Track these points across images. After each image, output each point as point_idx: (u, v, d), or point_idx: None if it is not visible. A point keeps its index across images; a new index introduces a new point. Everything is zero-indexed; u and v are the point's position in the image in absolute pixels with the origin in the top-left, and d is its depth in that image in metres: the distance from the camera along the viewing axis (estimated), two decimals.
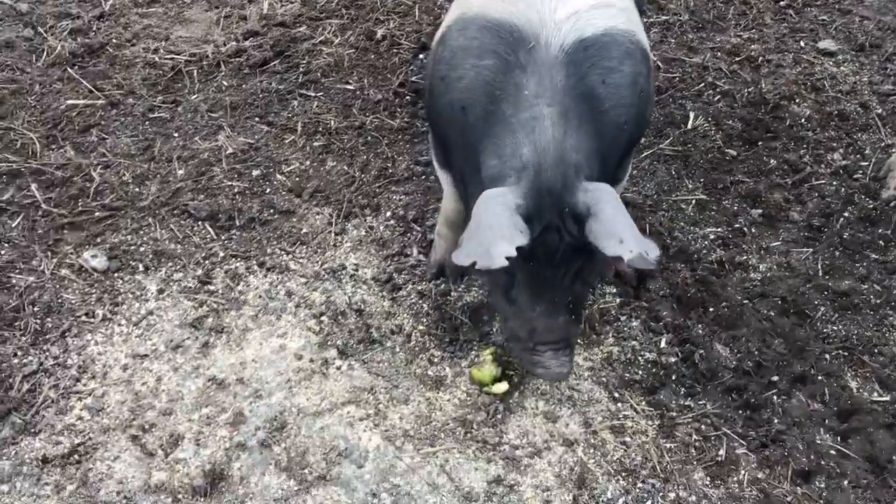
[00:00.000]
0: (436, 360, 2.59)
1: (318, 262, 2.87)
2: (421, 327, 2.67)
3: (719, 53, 3.74)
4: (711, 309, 2.75)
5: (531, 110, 2.06)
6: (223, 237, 2.94)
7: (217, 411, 2.42)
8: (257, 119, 3.41)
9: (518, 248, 1.86)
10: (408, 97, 3.57)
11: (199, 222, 2.98)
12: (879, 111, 3.45)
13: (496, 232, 1.89)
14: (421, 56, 3.69)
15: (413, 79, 3.63)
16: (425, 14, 3.98)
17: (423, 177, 3.21)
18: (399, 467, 2.29)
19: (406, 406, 2.45)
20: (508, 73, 2.12)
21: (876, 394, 2.53)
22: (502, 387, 2.47)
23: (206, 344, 2.60)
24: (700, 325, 2.69)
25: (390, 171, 3.23)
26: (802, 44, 3.79)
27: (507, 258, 1.83)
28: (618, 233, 1.91)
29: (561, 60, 2.10)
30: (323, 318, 2.68)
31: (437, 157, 2.59)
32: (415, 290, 2.79)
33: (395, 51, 3.77)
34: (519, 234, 1.90)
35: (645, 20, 3.71)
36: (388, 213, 3.06)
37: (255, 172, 3.17)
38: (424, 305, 2.74)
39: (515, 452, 2.34)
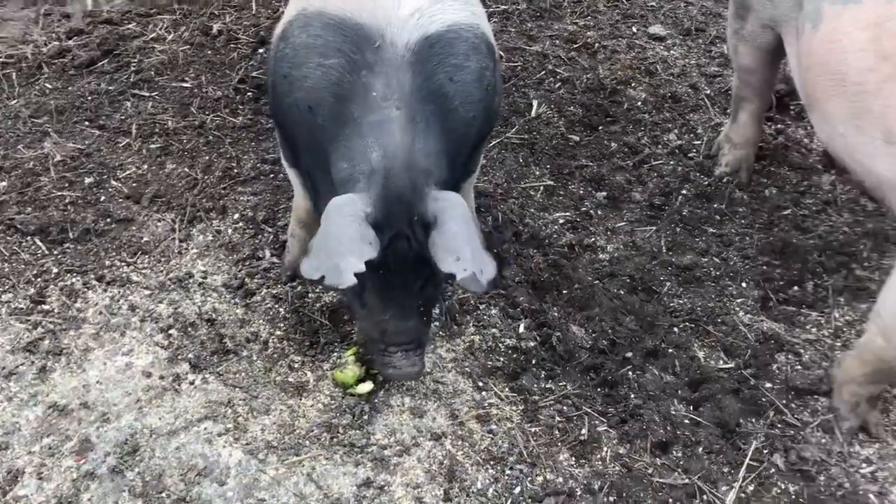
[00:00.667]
0: (296, 365, 2.51)
1: (162, 271, 2.72)
2: (278, 333, 2.59)
3: (557, 41, 3.84)
4: (565, 291, 2.81)
5: (380, 113, 2.03)
6: (56, 252, 2.74)
7: (60, 440, 2.25)
8: (87, 123, 3.20)
9: (367, 262, 1.84)
10: (250, 93, 3.45)
11: (28, 237, 2.76)
12: (708, 92, 3.64)
13: (345, 245, 1.86)
14: (261, 51, 3.57)
15: (254, 74, 3.51)
16: (263, 7, 3.85)
17: (272, 175, 3.10)
18: (263, 481, 2.20)
19: (267, 416, 2.36)
20: (356, 74, 2.07)
21: (721, 361, 2.66)
22: (367, 387, 2.43)
23: (44, 368, 2.41)
24: (555, 308, 2.75)
25: (235, 170, 3.10)
26: (634, 29, 3.94)
27: (356, 274, 1.81)
28: (456, 249, 1.92)
29: (407, 60, 2.08)
30: (171, 331, 2.54)
31: (285, 156, 2.51)
32: (269, 295, 2.69)
33: (233, 46, 3.63)
34: (368, 247, 1.88)
35: (485, 10, 3.76)
36: (237, 216, 2.94)
37: (88, 180, 2.97)
38: (281, 310, 2.65)
39: (384, 452, 2.30)
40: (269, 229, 2.89)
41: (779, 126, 3.54)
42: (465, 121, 2.17)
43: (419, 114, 2.05)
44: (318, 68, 2.10)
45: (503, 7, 4.02)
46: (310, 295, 2.69)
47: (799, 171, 3.34)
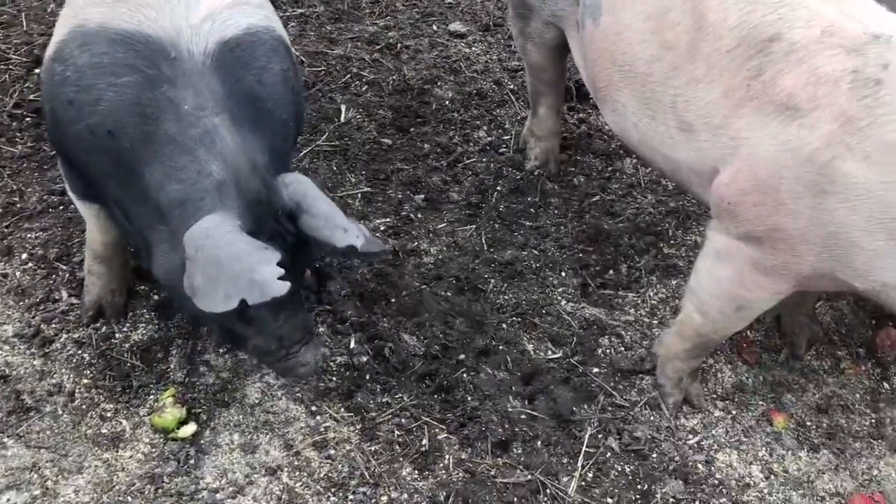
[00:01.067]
0: (108, 414, 2.30)
1: None
2: (85, 381, 2.36)
3: (359, 43, 3.76)
4: (393, 300, 2.76)
5: (200, 124, 1.93)
6: None
7: None
8: None
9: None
10: (28, 119, 3.13)
11: None
12: (511, 87, 3.69)
13: (247, 260, 1.78)
14: (37, 71, 3.25)
15: (31, 97, 3.19)
16: (35, 23, 3.52)
17: (62, 207, 2.83)
18: None
19: (80, 475, 2.15)
20: (156, 89, 1.94)
21: (550, 352, 2.70)
22: (190, 429, 2.26)
23: None
24: (385, 319, 2.69)
25: (19, 205, 2.81)
26: (435, 27, 3.94)
27: (282, 278, 1.76)
28: (337, 223, 1.95)
29: (209, 66, 1.99)
30: None
31: (73, 187, 2.28)
32: (70, 340, 2.45)
33: (3, 67, 3.28)
34: (269, 252, 1.81)
35: (281, 14, 3.61)
36: (24, 255, 2.66)
37: None
38: (85, 355, 2.42)
39: (216, 496, 2.15)
40: (64, 267, 2.64)
41: (580, 115, 3.65)
42: (281, 121, 2.14)
43: (240, 116, 2.00)
44: (111, 89, 1.94)
45: (300, 11, 3.89)
46: (117, 335, 2.48)
47: (603, 158, 3.46)
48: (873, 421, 2.67)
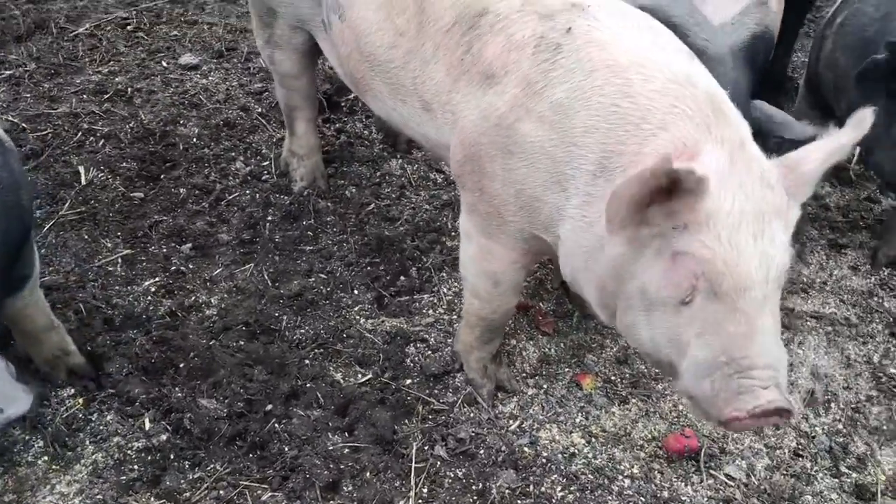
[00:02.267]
0: None
1: None
2: None
3: (85, 96, 3.47)
4: (182, 365, 2.57)
5: None
6: None
7: None
8: None
9: None
10: None
11: None
12: (259, 110, 3.56)
13: None
14: None
15: None
16: None
17: None
18: None
19: None
20: None
21: (360, 375, 2.64)
22: None
23: None
24: (177, 388, 2.50)
25: None
26: (165, 63, 3.71)
27: None
28: None
29: None
30: None
31: None
32: None
33: None
34: None
35: None
36: None
37: None
38: None
39: None
40: None
41: (337, 126, 3.59)
42: None
43: None
44: None
45: (8, 72, 3.52)
46: None
47: (369, 164, 3.43)
48: None
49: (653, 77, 1.85)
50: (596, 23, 1.98)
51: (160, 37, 3.85)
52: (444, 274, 2.98)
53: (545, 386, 2.70)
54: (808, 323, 3.00)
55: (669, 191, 1.67)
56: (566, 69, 1.94)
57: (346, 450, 2.41)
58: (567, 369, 2.76)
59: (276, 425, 2.44)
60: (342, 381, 2.61)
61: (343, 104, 3.68)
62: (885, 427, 2.74)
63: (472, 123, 2.10)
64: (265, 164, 3.33)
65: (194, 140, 3.35)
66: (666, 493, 2.42)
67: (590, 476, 2.44)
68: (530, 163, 2.00)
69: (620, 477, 2.45)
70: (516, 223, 2.14)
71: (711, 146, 1.77)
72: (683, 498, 2.43)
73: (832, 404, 2.78)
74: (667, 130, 1.80)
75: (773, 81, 3.86)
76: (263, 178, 3.27)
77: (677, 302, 1.76)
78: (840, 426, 2.72)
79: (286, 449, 2.38)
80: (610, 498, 2.38)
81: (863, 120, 1.77)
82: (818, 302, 3.08)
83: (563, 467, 2.45)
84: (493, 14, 2.08)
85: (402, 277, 2.96)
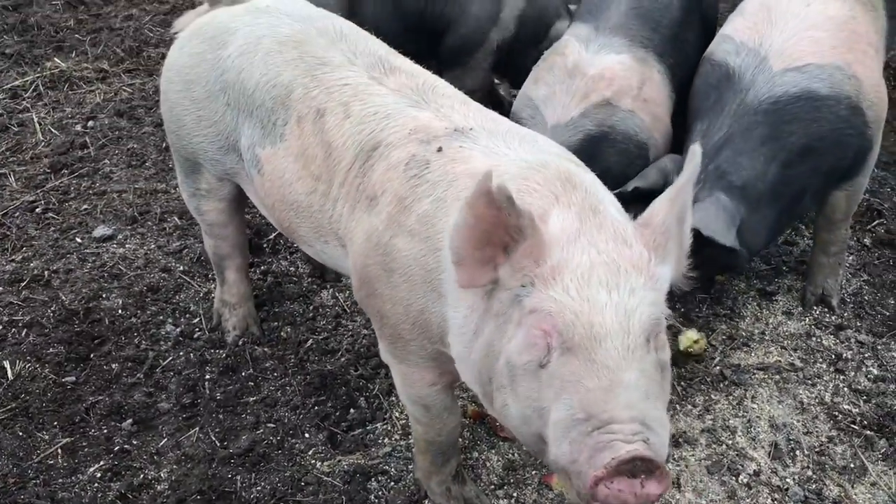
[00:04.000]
0: None
1: None
2: None
3: (1, 287, 3.40)
4: None
5: None
6: None
7: None
8: None
9: None
10: None
11: None
12: (181, 268, 3.53)
13: None
14: None
15: None
16: None
17: None
18: None
19: None
20: None
21: None
22: None
23: None
24: None
25: None
26: (79, 240, 3.67)
27: None
28: None
29: None
30: None
31: None
32: None
33: None
34: None
35: None
36: None
37: None
38: None
39: None
40: None
41: (263, 268, 3.58)
42: None
43: None
44: None
45: None
46: None
47: (301, 300, 3.41)
48: None
49: (506, 171, 1.94)
50: (468, 142, 2.08)
51: (70, 213, 3.81)
52: (394, 398, 2.95)
53: (515, 494, 2.66)
54: (756, 375, 3.04)
55: (510, 244, 1.71)
56: (431, 182, 2.04)
57: None
58: (534, 472, 2.72)
59: None
60: None
61: (265, 245, 3.68)
62: (852, 465, 2.76)
63: (360, 247, 2.18)
64: (195, 321, 3.29)
65: (119, 311, 3.29)
66: None
67: None
68: (408, 277, 2.06)
69: None
70: (416, 341, 2.17)
71: (558, 210, 1.82)
72: None
73: (797, 452, 2.80)
74: None
75: None
76: (195, 336, 3.22)
77: (536, 366, 1.71)
78: (809, 473, 2.74)
79: None
80: None
81: (694, 155, 1.81)
82: (761, 353, 3.13)
83: None
84: (383, 145, 2.18)
85: (351, 410, 2.91)
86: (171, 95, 2.67)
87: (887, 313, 3.29)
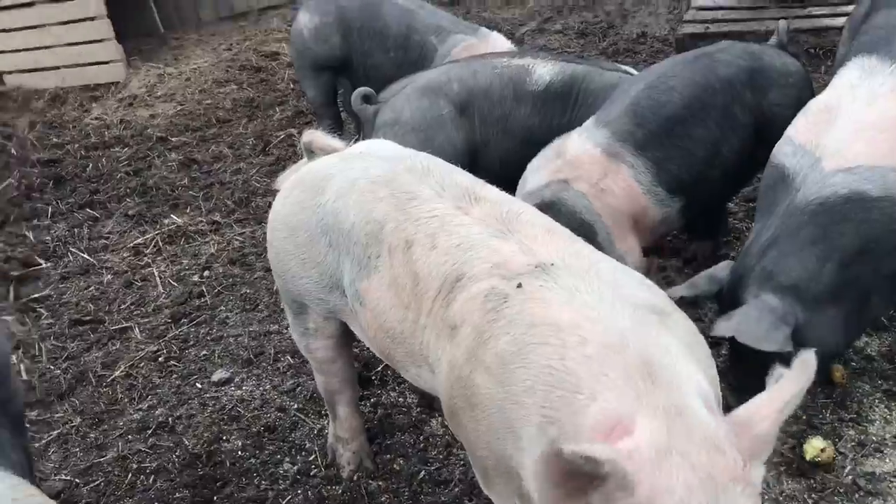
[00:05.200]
0: None
1: None
2: None
3: (130, 436, 3.57)
4: None
5: None
6: None
7: None
8: None
9: None
10: None
11: None
12: (296, 406, 3.64)
13: None
14: None
15: None
16: None
17: None
18: None
19: None
20: None
21: None
22: None
23: None
24: None
25: None
26: (199, 385, 3.84)
27: None
28: None
29: None
30: None
31: None
32: None
33: None
34: None
35: (34, 443, 3.38)
36: None
37: None
38: None
39: None
40: None
41: (372, 400, 3.65)
42: None
43: None
44: None
45: (56, 432, 3.66)
46: None
47: (411, 431, 3.44)
48: None
49: (584, 342, 1.86)
50: (550, 282, 2.06)
51: (190, 360, 4.02)
52: None
53: None
54: (894, 483, 2.86)
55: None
56: (508, 320, 2.02)
57: None
58: None
59: None
60: None
61: (373, 378, 3.76)
62: None
63: (445, 377, 2.20)
64: (311, 458, 3.36)
65: (239, 453, 3.40)
66: None
67: None
68: (487, 415, 2.02)
69: None
70: (500, 483, 2.14)
71: (643, 418, 1.70)
72: None
73: None
74: (596, 401, 1.78)
75: None
76: (312, 473, 3.29)
77: None
78: None
79: None
80: None
81: (807, 362, 1.73)
82: None
83: None
84: (466, 277, 2.22)
85: None
86: (276, 243, 2.83)
87: None
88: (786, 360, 2.65)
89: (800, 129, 3.02)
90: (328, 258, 2.68)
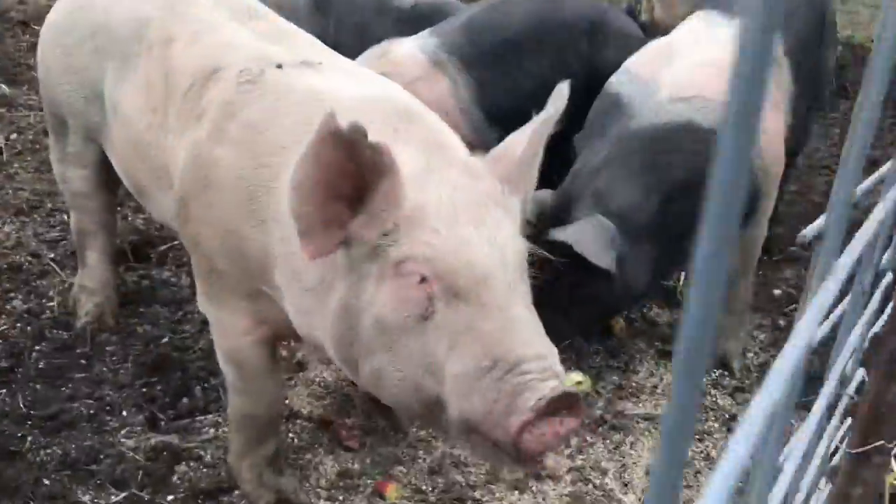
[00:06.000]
0: None
1: None
2: None
3: None
4: None
5: None
6: None
7: None
8: None
9: None
10: None
11: None
12: (52, 256, 3.30)
13: None
14: None
15: None
16: None
17: None
18: None
19: None
20: None
21: (112, 497, 2.20)
22: None
23: None
24: None
25: None
26: None
27: None
28: None
29: None
30: None
31: None
32: None
33: None
34: None
35: None
36: None
37: None
38: None
39: None
40: None
41: (141, 272, 3.35)
42: None
43: None
44: None
45: None
46: None
47: (172, 306, 3.15)
48: (487, 468, 2.51)
49: (340, 103, 1.75)
50: (310, 70, 1.96)
51: None
52: None
53: (341, 497, 2.31)
54: (640, 424, 2.75)
55: (359, 194, 1.55)
56: (262, 91, 1.90)
57: None
58: (370, 481, 2.39)
59: None
60: (88, 502, 2.16)
61: (151, 255, 3.46)
62: None
63: (181, 164, 2.00)
64: (50, 304, 3.02)
65: None
66: None
67: None
68: (225, 193, 1.87)
69: None
70: (232, 275, 1.96)
71: (401, 146, 1.64)
72: None
73: None
74: None
75: None
76: (43, 316, 2.95)
77: (417, 320, 1.54)
78: None
79: None
80: None
81: (560, 93, 1.78)
82: (650, 405, 2.86)
83: None
84: (223, 69, 2.04)
85: (183, 399, 2.61)
86: (44, 48, 2.63)
87: None
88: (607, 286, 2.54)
89: (638, 62, 2.94)
90: (92, 64, 2.45)
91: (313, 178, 1.51)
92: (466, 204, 1.59)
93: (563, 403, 1.46)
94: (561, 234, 2.47)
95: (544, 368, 1.49)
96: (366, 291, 1.59)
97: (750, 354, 3.15)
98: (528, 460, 1.50)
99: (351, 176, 1.51)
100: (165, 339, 2.92)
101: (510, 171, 1.71)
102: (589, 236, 2.51)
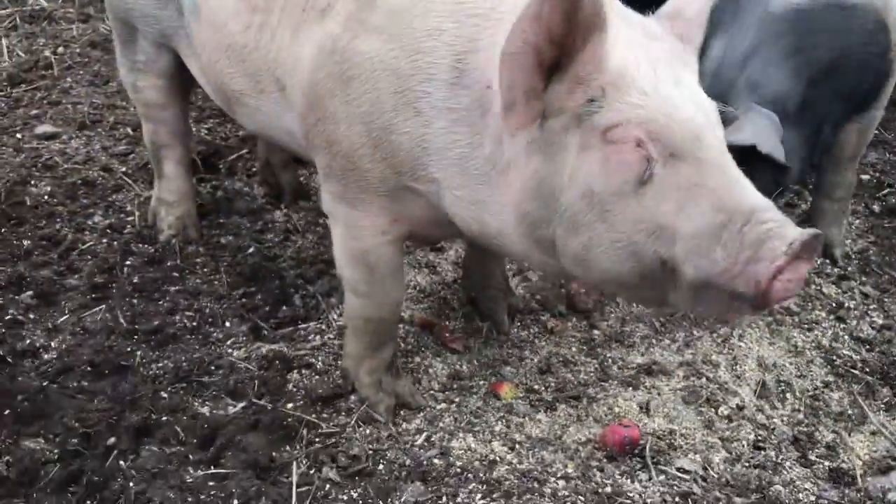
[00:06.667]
0: None
1: None
2: None
3: None
4: (7, 412, 2.08)
5: None
6: None
7: None
8: None
9: None
10: None
11: None
12: (124, 170, 3.22)
13: None
14: None
15: None
16: None
17: None
18: None
19: None
20: None
21: (230, 408, 2.18)
22: None
23: None
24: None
25: None
26: (19, 135, 3.38)
27: None
28: None
29: None
30: None
31: None
32: None
33: None
34: None
35: None
36: None
37: None
38: None
39: None
40: None
41: (214, 183, 3.27)
42: None
43: None
44: None
45: None
46: None
47: (251, 215, 3.08)
48: (596, 366, 2.47)
49: None
50: None
51: (18, 117, 3.53)
52: (334, 300, 2.60)
53: (457, 400, 2.29)
54: (745, 317, 2.68)
55: (557, 62, 1.48)
56: None
57: (211, 482, 1.92)
58: (482, 382, 2.36)
59: (121, 461, 1.95)
60: (208, 413, 2.14)
61: (220, 165, 3.38)
62: (849, 412, 2.38)
63: (309, 63, 1.86)
64: (129, 219, 2.96)
65: (46, 198, 2.97)
66: (609, 489, 1.99)
67: (515, 481, 1.99)
68: (372, 86, 1.75)
69: (553, 479, 2.01)
70: (376, 171, 1.84)
71: None
72: (631, 494, 1.99)
73: (787, 394, 2.44)
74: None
75: None
76: (125, 231, 2.89)
77: (635, 186, 1.50)
78: (801, 416, 2.37)
79: (131, 484, 1.88)
80: (542, 500, 1.93)
81: None
82: None
83: (482, 475, 2.00)
84: None
85: (283, 307, 2.56)
86: None
87: (895, 274, 2.94)
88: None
89: None
90: None
91: (531, 43, 1.45)
92: (661, 65, 1.55)
93: (812, 246, 1.45)
94: (739, 136, 2.31)
95: (778, 216, 1.47)
96: (566, 164, 1.55)
97: (848, 241, 3.05)
98: (769, 306, 1.47)
99: (557, 40, 1.45)
100: (252, 250, 2.85)
101: (686, 30, 1.67)
102: (765, 135, 2.36)
